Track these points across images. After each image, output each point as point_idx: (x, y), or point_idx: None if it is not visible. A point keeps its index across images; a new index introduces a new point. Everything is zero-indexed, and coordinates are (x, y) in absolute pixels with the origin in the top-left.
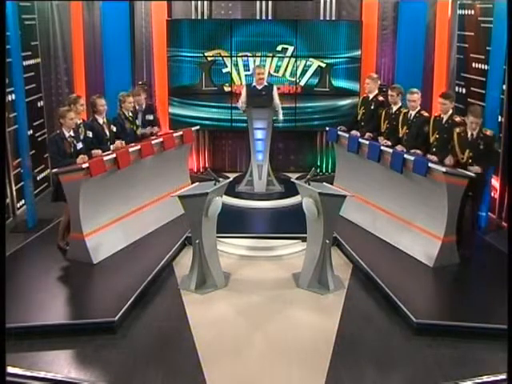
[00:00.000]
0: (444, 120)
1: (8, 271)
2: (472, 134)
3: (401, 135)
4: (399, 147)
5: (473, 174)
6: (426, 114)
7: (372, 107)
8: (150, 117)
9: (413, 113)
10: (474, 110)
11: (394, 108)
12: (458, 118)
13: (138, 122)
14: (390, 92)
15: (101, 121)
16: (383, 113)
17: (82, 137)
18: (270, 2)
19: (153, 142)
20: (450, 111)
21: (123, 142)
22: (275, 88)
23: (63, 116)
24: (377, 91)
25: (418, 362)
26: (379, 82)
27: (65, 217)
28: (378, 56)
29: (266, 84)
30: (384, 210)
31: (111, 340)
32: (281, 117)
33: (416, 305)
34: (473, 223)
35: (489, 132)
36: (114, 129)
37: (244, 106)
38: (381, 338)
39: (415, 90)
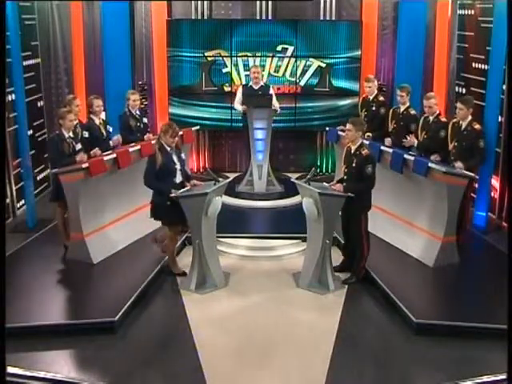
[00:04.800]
0: (463, 127)
1: (8, 271)
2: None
3: (420, 139)
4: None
5: (472, 174)
6: (477, 126)
7: (373, 108)
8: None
9: (431, 118)
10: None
11: (402, 108)
12: (477, 126)
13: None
14: (398, 92)
15: (97, 121)
16: (390, 112)
17: (79, 137)
18: (269, 2)
19: (153, 141)
20: (469, 117)
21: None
22: (272, 89)
23: (63, 117)
24: (376, 92)
25: (418, 362)
26: (377, 82)
27: (59, 217)
28: (378, 56)
29: (262, 84)
30: (384, 210)
31: (111, 340)
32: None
33: (416, 305)
34: None
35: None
36: (111, 129)
37: (239, 106)
38: (381, 338)
39: (432, 94)
